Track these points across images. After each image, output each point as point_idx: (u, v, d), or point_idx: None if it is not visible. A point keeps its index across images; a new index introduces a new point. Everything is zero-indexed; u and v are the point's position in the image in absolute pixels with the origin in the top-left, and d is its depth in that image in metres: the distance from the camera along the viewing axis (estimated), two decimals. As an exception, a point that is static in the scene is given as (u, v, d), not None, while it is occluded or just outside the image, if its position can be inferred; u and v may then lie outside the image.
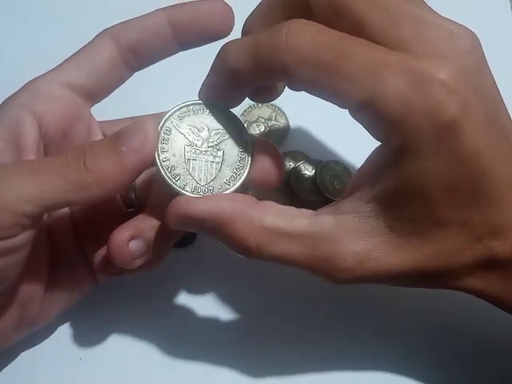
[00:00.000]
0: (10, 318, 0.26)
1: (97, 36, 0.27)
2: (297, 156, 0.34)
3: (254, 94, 0.26)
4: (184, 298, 0.32)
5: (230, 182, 0.24)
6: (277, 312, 0.31)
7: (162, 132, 0.24)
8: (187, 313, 0.31)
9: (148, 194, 0.27)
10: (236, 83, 0.23)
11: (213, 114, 0.25)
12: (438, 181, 0.21)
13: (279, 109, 0.36)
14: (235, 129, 0.25)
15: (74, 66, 0.26)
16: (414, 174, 0.21)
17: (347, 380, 0.30)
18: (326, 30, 0.21)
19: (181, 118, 0.24)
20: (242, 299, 0.32)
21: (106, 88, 0.27)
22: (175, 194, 0.24)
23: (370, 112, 0.21)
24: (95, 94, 0.27)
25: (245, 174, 0.24)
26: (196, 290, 0.32)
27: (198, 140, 0.24)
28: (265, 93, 0.26)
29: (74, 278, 0.28)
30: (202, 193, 0.24)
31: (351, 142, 0.34)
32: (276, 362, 0.30)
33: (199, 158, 0.24)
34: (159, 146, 0.24)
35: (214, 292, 0.32)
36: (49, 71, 0.26)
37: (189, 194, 0.24)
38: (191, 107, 0.25)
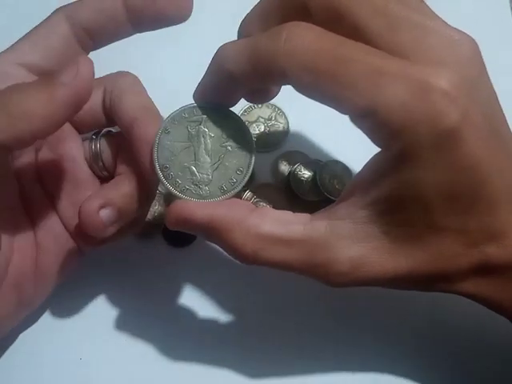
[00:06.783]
0: (9, 302, 0.27)
1: (51, 15, 0.27)
2: (296, 156, 0.34)
3: (250, 96, 0.26)
4: (184, 298, 0.32)
5: (223, 189, 0.24)
6: (277, 311, 0.31)
7: (161, 133, 0.24)
8: (187, 312, 0.31)
9: (116, 160, 0.27)
10: (233, 85, 0.23)
11: (215, 117, 0.24)
12: (437, 189, 0.21)
13: (279, 109, 0.36)
14: (238, 133, 0.24)
15: (28, 46, 0.26)
16: (412, 182, 0.21)
17: (346, 380, 0.30)
18: (326, 34, 0.21)
19: (181, 121, 0.24)
20: (242, 299, 0.32)
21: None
22: (172, 195, 0.24)
23: (370, 119, 0.21)
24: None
25: (241, 185, 0.24)
26: (196, 289, 0.32)
27: (198, 143, 0.24)
28: (260, 94, 0.26)
29: (60, 252, 0.28)
30: (191, 197, 0.24)
31: (351, 142, 0.34)
32: (276, 362, 0.30)
33: (195, 163, 0.24)
34: (157, 146, 0.24)
35: (213, 292, 0.32)
36: (2, 52, 0.26)
37: (178, 193, 0.24)
38: (193, 110, 0.24)
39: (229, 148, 0.24)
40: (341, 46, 0.21)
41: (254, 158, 0.24)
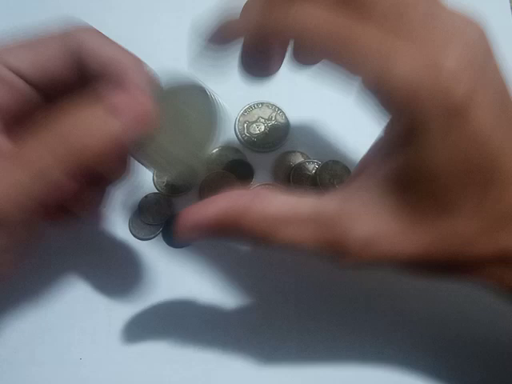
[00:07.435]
0: None
1: (51, 31, 0.26)
2: (296, 156, 0.34)
3: (250, 66, 0.26)
4: (184, 298, 0.32)
5: (196, 154, 0.24)
6: (277, 311, 0.31)
7: None
8: (187, 312, 0.31)
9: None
10: (235, 32, 0.23)
11: (187, 94, 0.25)
12: (448, 163, 0.21)
13: (279, 109, 0.36)
14: (206, 108, 0.25)
15: (23, 54, 0.25)
16: (423, 156, 0.21)
17: (346, 376, 0.30)
18: (338, 8, 0.21)
19: (157, 98, 0.24)
20: (242, 299, 0.32)
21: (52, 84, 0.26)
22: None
23: (378, 90, 0.21)
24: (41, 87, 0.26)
25: (211, 143, 0.24)
26: (196, 289, 0.32)
27: (173, 121, 0.24)
28: (261, 66, 0.26)
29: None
30: (171, 174, 0.24)
31: (351, 141, 0.34)
32: (276, 363, 0.30)
33: (170, 141, 0.24)
34: None
35: (213, 291, 0.32)
36: None
37: (157, 171, 0.25)
38: (168, 87, 0.25)
39: (196, 122, 0.24)
40: (349, 21, 0.21)
41: (219, 123, 0.24)
